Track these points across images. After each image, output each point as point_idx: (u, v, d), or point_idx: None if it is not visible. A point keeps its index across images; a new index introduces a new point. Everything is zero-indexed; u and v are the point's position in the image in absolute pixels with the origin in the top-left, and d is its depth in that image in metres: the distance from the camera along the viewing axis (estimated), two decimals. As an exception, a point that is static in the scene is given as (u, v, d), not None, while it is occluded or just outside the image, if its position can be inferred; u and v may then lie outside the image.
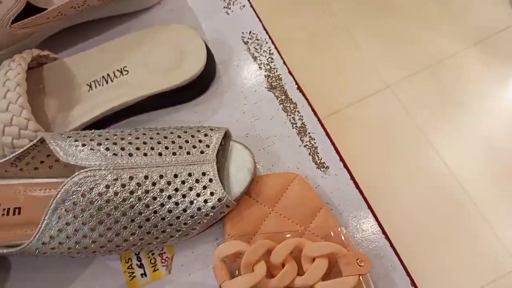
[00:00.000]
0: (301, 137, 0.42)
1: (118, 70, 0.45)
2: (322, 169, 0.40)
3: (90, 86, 0.45)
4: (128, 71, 0.45)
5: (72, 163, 0.35)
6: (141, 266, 0.39)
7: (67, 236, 0.35)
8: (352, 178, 0.40)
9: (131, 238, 0.36)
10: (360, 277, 0.34)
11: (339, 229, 0.36)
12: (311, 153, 0.41)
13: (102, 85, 0.45)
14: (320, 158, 0.41)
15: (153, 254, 0.39)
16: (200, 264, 0.38)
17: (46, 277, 0.39)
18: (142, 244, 0.37)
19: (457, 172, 1.22)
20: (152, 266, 0.39)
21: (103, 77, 0.45)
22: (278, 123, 0.43)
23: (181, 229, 0.37)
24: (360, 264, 0.34)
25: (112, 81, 0.45)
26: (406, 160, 1.25)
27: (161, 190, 0.36)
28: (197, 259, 0.38)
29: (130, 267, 0.39)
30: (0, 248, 0.36)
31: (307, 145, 0.42)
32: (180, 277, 0.38)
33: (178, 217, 0.36)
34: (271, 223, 0.38)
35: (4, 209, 0.38)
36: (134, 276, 0.38)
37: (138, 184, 0.35)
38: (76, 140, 0.36)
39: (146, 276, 0.38)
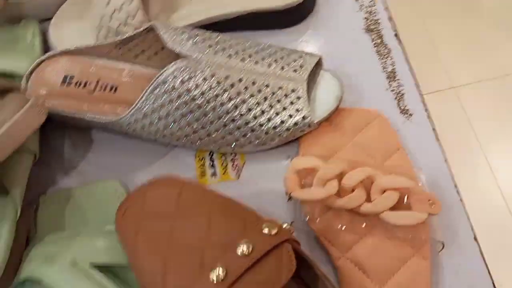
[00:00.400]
0: (389, 81, 0.42)
1: (223, -17, 0.46)
2: (405, 115, 0.41)
3: (193, -4, 0.46)
4: (232, -14, 0.46)
5: (177, 51, 0.37)
6: (212, 166, 0.41)
7: (159, 117, 0.37)
8: (434, 130, 0.40)
9: (214, 135, 0.38)
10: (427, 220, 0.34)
11: (413, 169, 0.36)
12: (397, 98, 0.41)
13: (203, -6, 0.46)
14: (405, 105, 0.41)
15: (225, 158, 0.41)
16: (268, 177, 0.40)
17: (126, 159, 0.42)
18: (221, 143, 0.38)
19: (505, 189, 1.18)
20: (223, 169, 0.41)
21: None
22: (369, 64, 0.43)
23: (261, 137, 0.38)
24: (431, 206, 0.34)
25: (215, -8, 0.46)
26: (454, 163, 1.22)
27: (251, 95, 0.37)
28: (266, 172, 0.40)
29: (202, 165, 0.41)
30: (94, 117, 0.38)
31: (394, 89, 0.42)
32: (247, 184, 0.40)
33: (261, 125, 0.38)
34: (345, 153, 0.38)
35: (102, 85, 0.41)
36: (205, 174, 0.40)
37: (232, 85, 0.37)
38: (182, 33, 0.38)
39: (216, 176, 0.40)
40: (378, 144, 0.38)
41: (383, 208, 0.34)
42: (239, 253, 0.27)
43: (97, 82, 0.41)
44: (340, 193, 0.35)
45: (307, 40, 0.45)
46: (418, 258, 0.34)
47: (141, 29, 0.39)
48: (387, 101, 0.41)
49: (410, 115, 0.41)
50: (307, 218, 0.35)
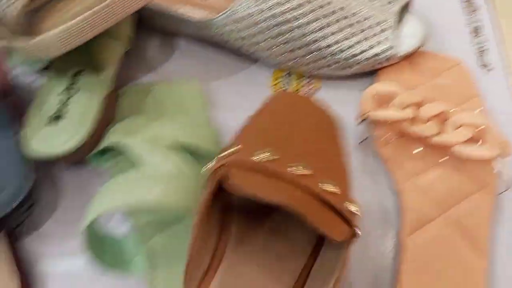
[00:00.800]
0: (474, 36, 0.42)
1: None
2: (484, 69, 0.41)
3: None
4: None
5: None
6: (287, 85, 0.42)
7: (247, 25, 0.38)
8: (514, 86, 0.40)
9: (295, 52, 0.39)
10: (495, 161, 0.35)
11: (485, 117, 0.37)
12: (479, 53, 0.42)
13: None
14: (487, 60, 0.41)
15: (301, 81, 0.42)
16: (339, 103, 0.40)
17: (205, 68, 0.43)
18: (301, 61, 0.40)
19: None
20: (296, 90, 0.42)
21: None
22: (455, 17, 0.44)
23: (340, 62, 0.39)
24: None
25: None
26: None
27: (337, 20, 0.38)
28: (339, 98, 0.41)
29: (276, 84, 0.42)
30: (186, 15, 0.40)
31: (476, 44, 0.42)
32: (318, 107, 0.41)
33: (341, 50, 0.39)
34: (422, 92, 0.39)
35: (196, -8, 0.43)
36: (279, 92, 0.42)
37: (321, 6, 0.38)
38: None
39: (288, 96, 0.42)
40: (456, 89, 0.39)
41: (456, 141, 0.34)
42: (322, 185, 0.27)
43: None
44: (414, 122, 0.36)
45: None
46: (481, 194, 0.34)
47: None
48: (469, 54, 0.42)
49: (489, 70, 0.41)
50: (377, 141, 0.36)
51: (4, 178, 0.33)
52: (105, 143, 0.35)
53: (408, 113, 0.35)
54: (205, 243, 0.29)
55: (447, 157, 0.35)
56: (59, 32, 0.32)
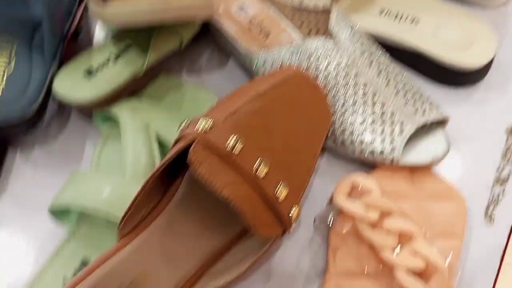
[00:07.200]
0: (496, 183, 0.40)
1: (410, 16, 0.48)
2: (486, 220, 0.38)
3: (381, 12, 0.49)
4: (418, 23, 0.47)
5: (334, 31, 0.41)
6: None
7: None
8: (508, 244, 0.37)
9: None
10: None
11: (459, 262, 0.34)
12: (491, 202, 0.39)
13: (389, 16, 0.49)
14: (494, 213, 0.39)
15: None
16: (327, 179, 0.41)
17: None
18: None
19: None
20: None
21: (396, 12, 0.49)
22: (485, 157, 0.42)
23: (345, 143, 0.40)
24: None
25: (399, 19, 0.48)
26: None
27: (364, 102, 0.39)
28: (332, 172, 0.41)
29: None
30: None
31: (494, 194, 0.39)
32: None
33: (352, 133, 0.39)
34: (406, 206, 0.37)
35: (262, 27, 0.47)
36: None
37: (355, 84, 0.39)
38: (349, 24, 0.42)
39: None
40: (442, 223, 0.37)
41: (403, 266, 0.33)
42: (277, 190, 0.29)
43: (260, 23, 0.47)
44: (375, 228, 0.35)
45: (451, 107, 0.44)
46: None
47: (321, 8, 0.44)
48: (480, 198, 0.40)
49: (490, 223, 0.38)
50: (333, 227, 0.36)
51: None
52: (109, 110, 0.40)
53: (373, 216, 0.34)
54: (149, 195, 0.30)
55: (386, 277, 0.33)
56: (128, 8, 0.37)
